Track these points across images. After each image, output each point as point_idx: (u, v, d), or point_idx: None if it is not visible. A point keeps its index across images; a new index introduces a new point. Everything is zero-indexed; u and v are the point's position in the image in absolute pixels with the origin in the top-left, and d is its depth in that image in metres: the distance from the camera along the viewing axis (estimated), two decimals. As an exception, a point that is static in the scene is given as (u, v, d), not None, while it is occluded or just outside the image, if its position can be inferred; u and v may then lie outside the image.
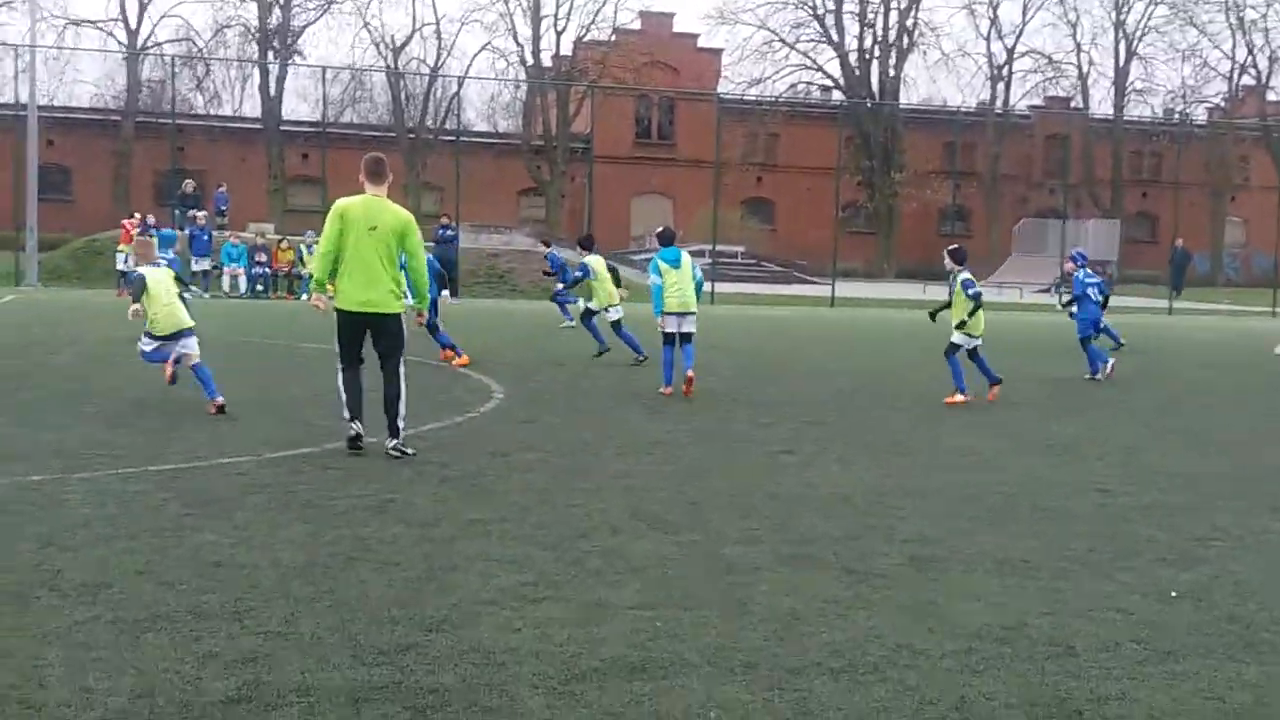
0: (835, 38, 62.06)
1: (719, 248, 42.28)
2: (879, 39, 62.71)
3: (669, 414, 11.60)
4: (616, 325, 16.59)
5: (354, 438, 8.98)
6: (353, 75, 59.27)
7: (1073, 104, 64.81)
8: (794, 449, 9.82)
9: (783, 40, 61.72)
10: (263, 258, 31.28)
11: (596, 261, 16.94)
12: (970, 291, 13.14)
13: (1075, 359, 16.62)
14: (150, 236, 18.53)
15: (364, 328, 9.01)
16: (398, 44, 58.75)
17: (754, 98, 59.92)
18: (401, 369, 9.13)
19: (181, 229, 31.53)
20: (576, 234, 28.08)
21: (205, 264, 30.09)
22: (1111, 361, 16.31)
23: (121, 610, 5.08)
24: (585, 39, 59.86)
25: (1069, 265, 18.63)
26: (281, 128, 56.03)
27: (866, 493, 8.15)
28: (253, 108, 60.72)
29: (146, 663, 4.49)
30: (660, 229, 13.91)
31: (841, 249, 43.19)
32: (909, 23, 62.43)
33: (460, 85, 45.47)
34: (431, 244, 31.59)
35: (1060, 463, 9.62)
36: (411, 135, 58.09)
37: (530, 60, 59.57)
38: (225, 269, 30.70)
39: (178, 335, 11.03)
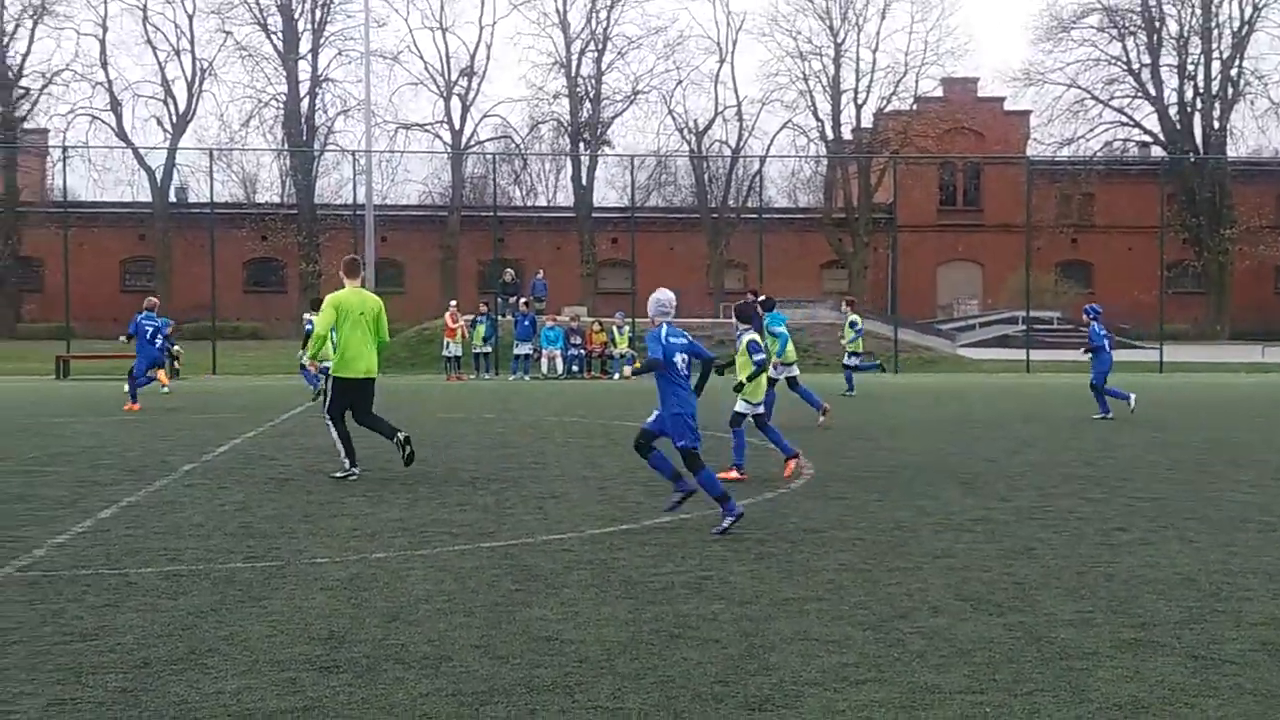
0: (1152, 91, 59.37)
1: (1033, 313, 40.81)
2: (1200, 90, 59.52)
3: (987, 490, 11.23)
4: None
5: (350, 476, 11.83)
6: (658, 161, 61.31)
7: None
8: (1128, 526, 9.29)
9: (1095, 98, 59.58)
10: (578, 340, 32.53)
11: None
12: (755, 356, 11.84)
13: None
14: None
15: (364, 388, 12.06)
16: (700, 128, 60.41)
17: (1066, 158, 57.93)
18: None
19: (504, 315, 33.23)
20: (881, 305, 27.98)
21: (526, 348, 31.55)
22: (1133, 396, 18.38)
23: (461, 683, 5.34)
24: (886, 110, 59.66)
25: (1084, 319, 20.42)
26: (593, 214, 58.46)
27: (1211, 572, 7.60)
28: (566, 197, 63.75)
29: (486, 734, 4.68)
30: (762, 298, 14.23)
31: (1168, 311, 40.91)
32: (1233, 72, 59.01)
33: (762, 164, 46.16)
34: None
35: None
36: (715, 215, 59.30)
37: (830, 134, 59.89)
38: (544, 352, 32.09)
39: None
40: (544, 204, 65.35)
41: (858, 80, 59.75)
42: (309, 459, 13.39)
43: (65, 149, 48.51)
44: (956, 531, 9.04)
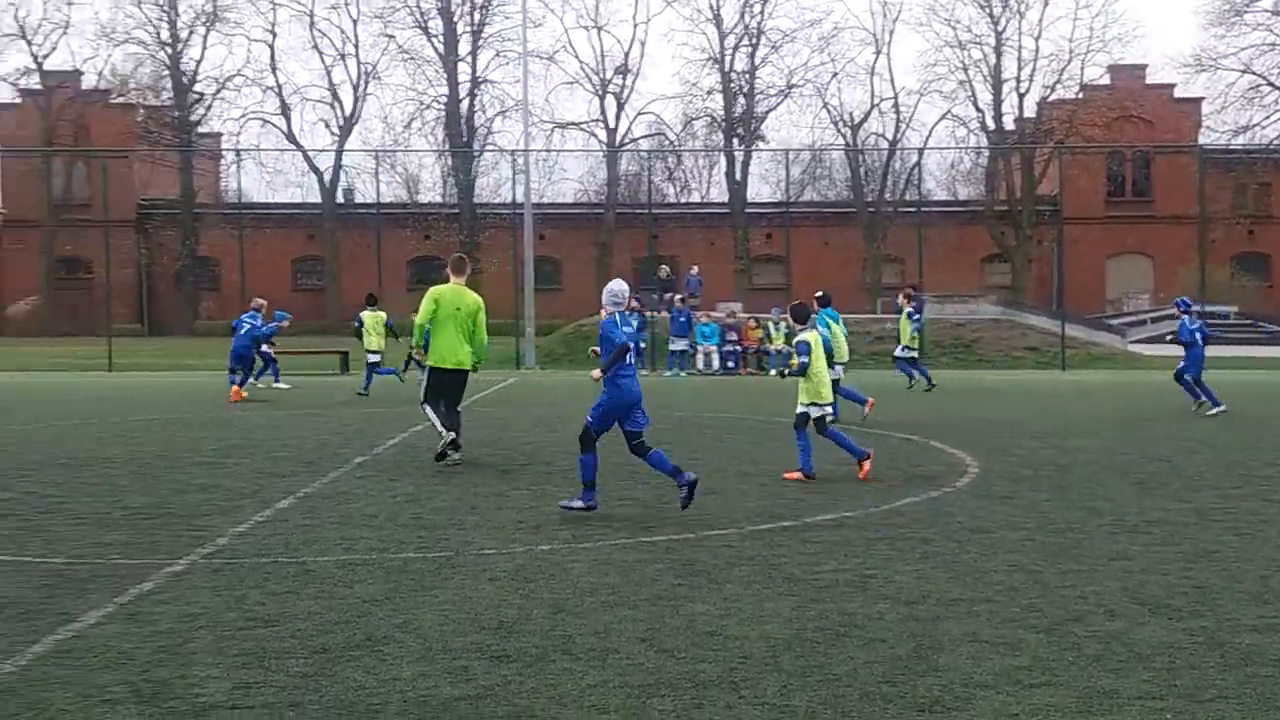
0: (1333, 75, 56.41)
1: (1208, 308, 39.22)
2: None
3: (1163, 491, 10.85)
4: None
5: (452, 443, 12.40)
6: (813, 155, 60.73)
7: None
8: (1314, 529, 8.87)
9: (1271, 84, 56.82)
10: (733, 336, 32.49)
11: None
12: (800, 358, 11.44)
13: None
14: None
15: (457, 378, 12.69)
16: (856, 121, 59.63)
17: (1240, 146, 55.48)
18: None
19: (659, 312, 33.37)
20: (1045, 300, 27.26)
21: (682, 344, 31.62)
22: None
23: (628, 675, 5.39)
24: (1050, 99, 58.02)
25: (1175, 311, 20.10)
26: (746, 210, 58.27)
27: None
28: (720, 193, 63.62)
29: (655, 727, 4.72)
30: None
31: (1353, 304, 38.90)
32: None
33: (920, 156, 45.37)
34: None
35: None
36: (871, 209, 58.53)
37: (991, 125, 58.51)
38: (699, 348, 32.14)
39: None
40: (698, 200, 65.38)
41: (1020, 69, 58.23)
42: (474, 452, 13.67)
43: (238, 152, 50.54)
44: (1132, 533, 8.76)
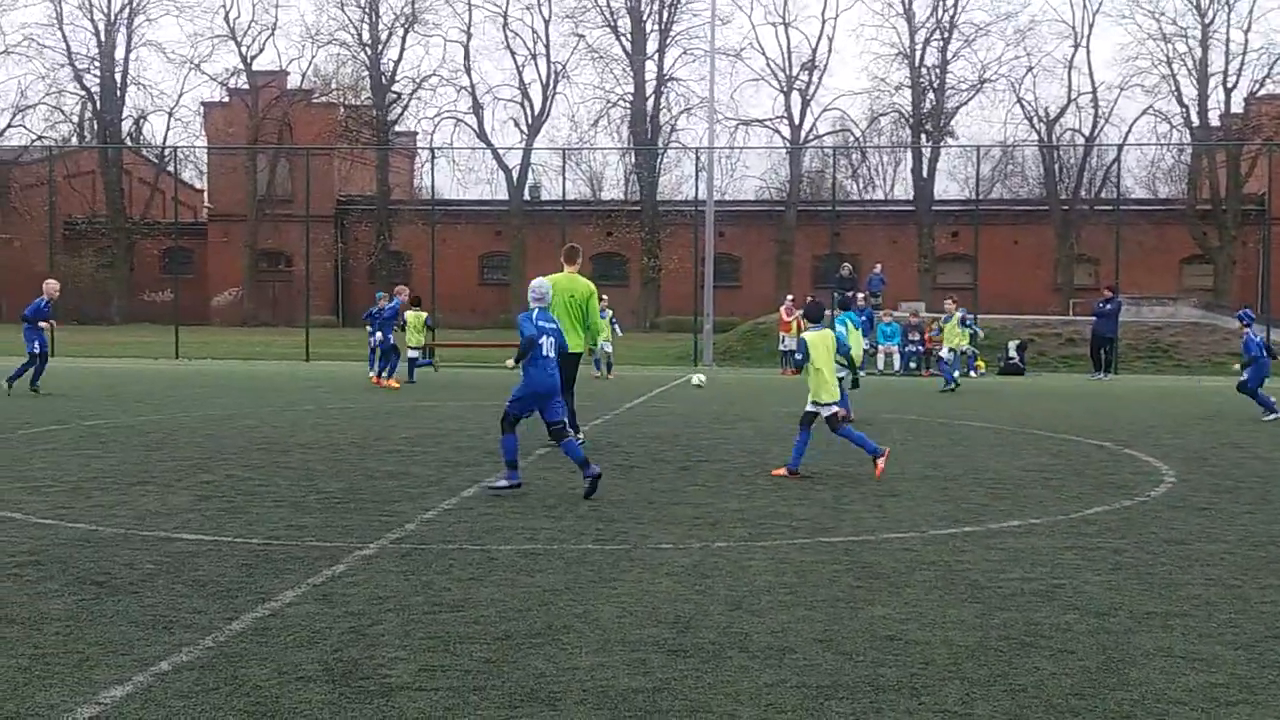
0: None
1: None
2: None
3: (1378, 506, 10.21)
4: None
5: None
6: (1004, 151, 59.18)
7: None
8: None
9: None
10: (915, 336, 31.92)
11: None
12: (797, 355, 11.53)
13: None
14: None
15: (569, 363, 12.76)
16: (1051, 116, 57.88)
17: None
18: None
19: (844, 308, 33.00)
20: (1244, 304, 25.84)
21: (864, 343, 31.19)
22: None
23: (805, 676, 5.35)
24: (1259, 94, 55.20)
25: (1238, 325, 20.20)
26: (932, 208, 57.14)
27: None
28: (904, 190, 62.66)
29: (831, 729, 4.68)
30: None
31: None
32: None
33: (1120, 152, 43.64)
34: (1092, 318, 30.54)
35: None
36: (1064, 207, 56.71)
37: (1196, 121, 55.99)
38: (880, 347, 31.66)
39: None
40: (881, 197, 64.47)
41: (1227, 62, 55.58)
42: (652, 447, 13.78)
43: (432, 150, 52.03)
44: (1342, 551, 8.27)
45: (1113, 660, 5.63)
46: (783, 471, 11.61)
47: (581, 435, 12.99)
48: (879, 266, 37.55)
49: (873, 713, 4.88)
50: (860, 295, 32.84)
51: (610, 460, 12.60)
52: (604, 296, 27.34)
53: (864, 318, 31.28)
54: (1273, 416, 17.90)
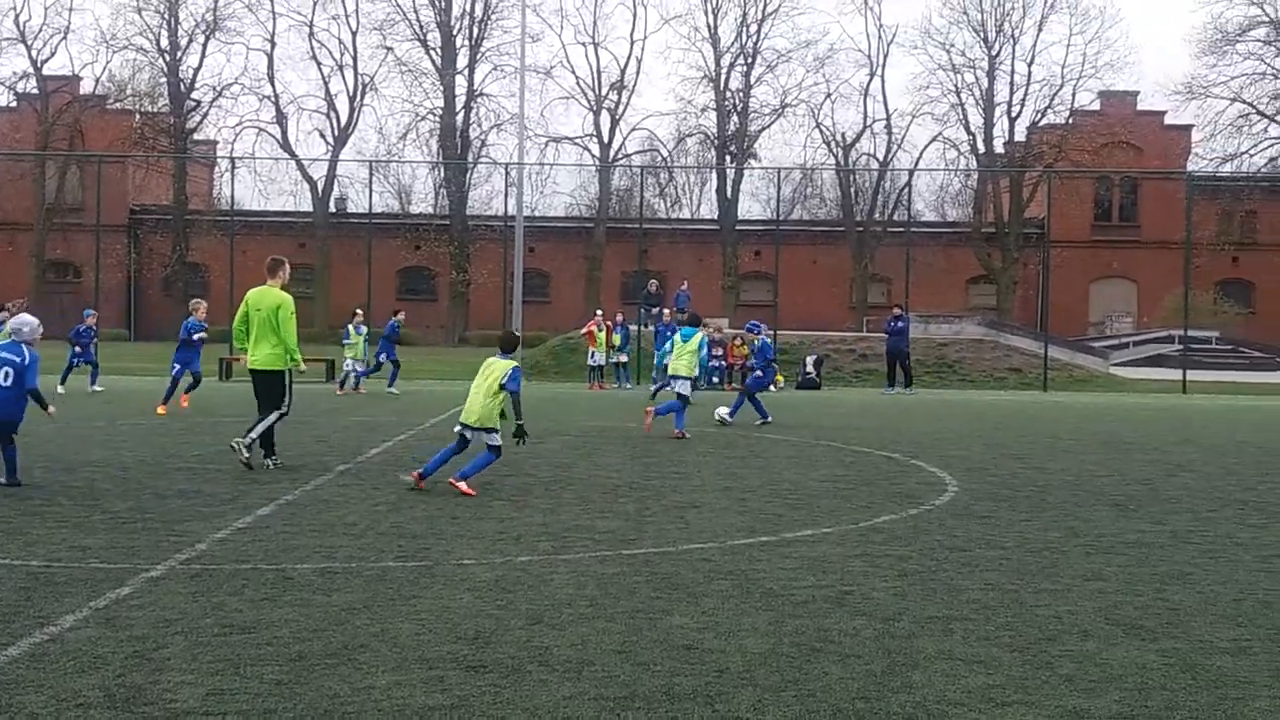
0: (1322, 105, 56.78)
1: (1190, 333, 39.42)
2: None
3: (1141, 513, 10.91)
4: None
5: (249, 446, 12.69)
6: (804, 174, 60.95)
7: None
8: (1290, 554, 8.94)
9: (1260, 113, 57.21)
10: (719, 351, 32.53)
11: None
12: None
13: None
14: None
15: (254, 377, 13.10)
16: (848, 141, 59.88)
17: (1228, 174, 55.82)
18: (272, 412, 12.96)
19: (645, 326, 33.42)
20: (1030, 322, 27.30)
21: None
22: None
23: (603, 688, 5.41)
24: (1041, 123, 58.37)
25: None
26: (736, 227, 58.43)
27: (1381, 606, 7.28)
28: (710, 209, 63.86)
29: (627, 739, 4.74)
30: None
31: (1335, 332, 39.15)
32: None
33: (911, 177, 45.52)
34: (884, 335, 31.71)
35: None
36: (860, 228, 58.73)
37: (982, 148, 58.79)
38: (685, 363, 32.15)
39: None
40: (688, 216, 65.56)
41: (1012, 93, 58.60)
42: (458, 462, 13.66)
43: (233, 159, 50.46)
44: (1108, 554, 8.81)
45: (897, 664, 5.86)
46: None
47: (273, 462, 12.91)
48: (684, 284, 38.14)
49: (668, 721, 4.97)
50: (666, 311, 33.34)
51: (413, 476, 12.44)
52: (358, 311, 27.91)
53: (669, 333, 31.79)
54: (763, 422, 19.30)
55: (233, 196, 47.83)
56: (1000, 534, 9.61)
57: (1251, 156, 57.25)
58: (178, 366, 21.23)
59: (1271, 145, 57.96)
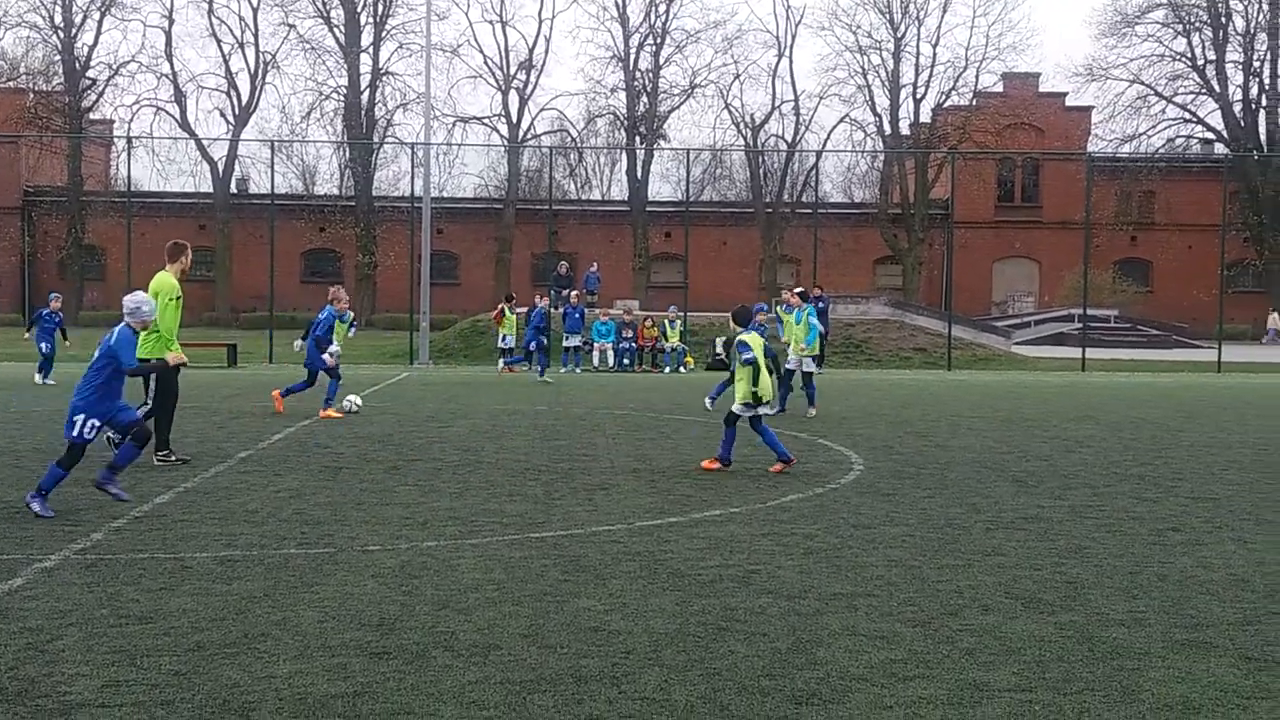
0: (1217, 88, 58.37)
1: (1090, 311, 40.33)
2: (1266, 88, 58.51)
3: (1040, 489, 11.13)
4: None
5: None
6: (713, 155, 61.14)
7: None
8: (1182, 526, 9.19)
9: (1158, 94, 58.70)
10: (629, 333, 32.57)
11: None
12: (743, 355, 12.14)
13: None
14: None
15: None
16: (757, 123, 60.16)
17: (1127, 155, 57.17)
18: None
19: (556, 308, 33.32)
20: (934, 301, 27.72)
21: (576, 340, 31.61)
22: None
23: (509, 671, 5.38)
24: (945, 105, 59.18)
25: None
26: (647, 208, 58.46)
27: (1266, 574, 7.52)
28: (620, 191, 63.84)
29: (532, 722, 4.72)
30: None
31: (1227, 310, 40.36)
32: (1300, 67, 57.91)
33: (818, 159, 45.90)
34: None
35: None
36: (769, 210, 59.11)
37: (888, 130, 59.47)
38: (595, 344, 32.16)
39: None
40: (598, 198, 65.44)
41: (917, 75, 59.34)
42: (363, 447, 13.52)
43: (130, 139, 49.24)
44: (1008, 529, 8.98)
45: (802, 641, 5.92)
46: (715, 464, 12.07)
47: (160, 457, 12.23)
48: (595, 265, 38.13)
49: (574, 704, 4.95)
50: (576, 293, 33.28)
51: (318, 462, 12.30)
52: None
53: (577, 315, 31.76)
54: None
55: (130, 177, 46.83)
56: (904, 511, 9.75)
57: (1150, 137, 58.76)
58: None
59: (1169, 126, 59.52)
